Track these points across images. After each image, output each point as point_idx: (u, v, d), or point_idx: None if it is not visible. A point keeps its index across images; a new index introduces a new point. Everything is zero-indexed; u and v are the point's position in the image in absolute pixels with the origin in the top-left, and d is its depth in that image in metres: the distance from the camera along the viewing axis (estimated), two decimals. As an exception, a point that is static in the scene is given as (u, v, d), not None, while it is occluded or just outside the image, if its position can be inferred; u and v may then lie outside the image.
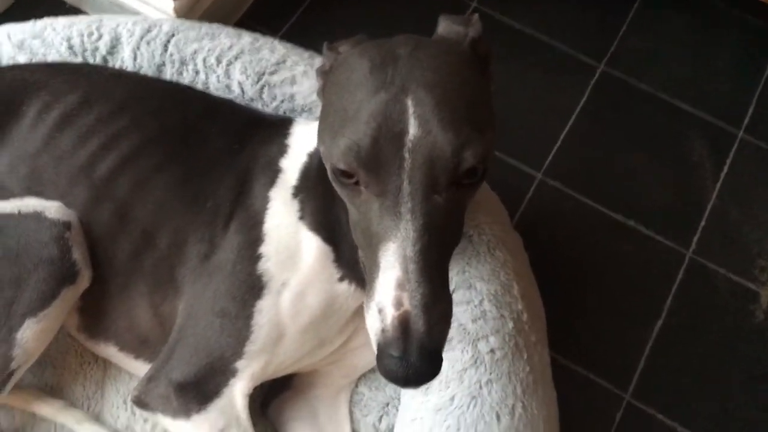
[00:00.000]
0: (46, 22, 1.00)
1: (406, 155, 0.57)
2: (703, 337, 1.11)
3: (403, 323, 0.56)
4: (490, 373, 0.75)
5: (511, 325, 0.79)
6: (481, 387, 0.75)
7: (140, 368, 0.84)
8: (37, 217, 0.78)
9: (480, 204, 0.92)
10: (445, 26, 0.68)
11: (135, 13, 1.17)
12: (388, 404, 0.86)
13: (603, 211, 1.19)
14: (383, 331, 0.57)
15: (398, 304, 0.56)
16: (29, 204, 0.79)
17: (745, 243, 1.19)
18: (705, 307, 1.13)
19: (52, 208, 0.79)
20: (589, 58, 1.33)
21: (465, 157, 0.58)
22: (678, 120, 1.29)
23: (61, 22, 1.01)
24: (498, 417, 0.73)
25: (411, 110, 0.58)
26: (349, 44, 0.68)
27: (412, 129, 0.57)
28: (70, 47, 0.98)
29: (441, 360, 0.58)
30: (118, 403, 0.86)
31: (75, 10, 1.24)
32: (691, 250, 1.17)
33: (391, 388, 0.87)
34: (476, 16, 0.68)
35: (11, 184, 0.83)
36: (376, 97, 0.59)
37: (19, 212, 0.78)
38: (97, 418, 0.85)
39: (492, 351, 0.76)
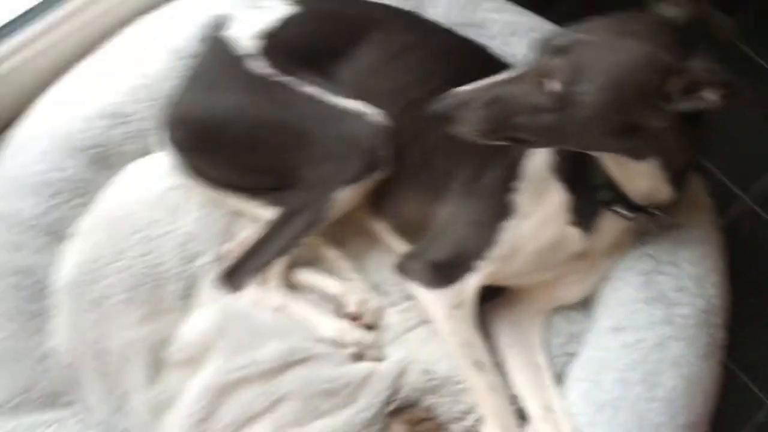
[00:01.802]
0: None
1: None
2: None
3: None
4: (678, 333, 0.93)
5: (703, 303, 0.96)
6: (665, 340, 0.93)
7: (399, 246, 1.11)
8: (365, 116, 1.05)
9: (695, 202, 1.08)
10: None
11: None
12: (574, 335, 1.07)
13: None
14: None
15: None
16: (362, 107, 1.07)
17: None
18: None
19: (377, 114, 1.06)
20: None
21: None
22: None
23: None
24: (671, 368, 0.92)
25: None
26: None
27: None
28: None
29: None
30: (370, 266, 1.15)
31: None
32: None
33: (580, 324, 1.07)
34: None
35: (346, 91, 1.11)
36: None
37: (356, 110, 1.06)
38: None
39: (684, 317, 0.94)
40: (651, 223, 1.00)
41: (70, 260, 1.09)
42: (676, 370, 0.92)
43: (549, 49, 0.83)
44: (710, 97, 0.78)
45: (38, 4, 1.23)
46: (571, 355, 1.05)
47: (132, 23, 1.27)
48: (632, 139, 0.84)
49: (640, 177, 0.91)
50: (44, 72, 1.23)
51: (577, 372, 1.01)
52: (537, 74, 0.83)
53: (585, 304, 1.09)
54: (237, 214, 1.16)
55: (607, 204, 0.96)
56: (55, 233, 1.12)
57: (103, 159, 1.18)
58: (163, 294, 1.09)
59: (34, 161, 1.13)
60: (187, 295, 1.10)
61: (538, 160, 1.01)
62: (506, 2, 1.28)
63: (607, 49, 0.80)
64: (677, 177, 0.92)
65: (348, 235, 1.16)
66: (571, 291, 1.07)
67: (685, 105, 0.80)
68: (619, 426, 0.92)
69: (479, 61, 1.14)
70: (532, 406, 1.02)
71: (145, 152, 1.20)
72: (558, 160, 1.00)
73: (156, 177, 1.16)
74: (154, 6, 1.29)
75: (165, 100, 1.14)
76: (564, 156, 0.99)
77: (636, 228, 1.01)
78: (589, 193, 0.97)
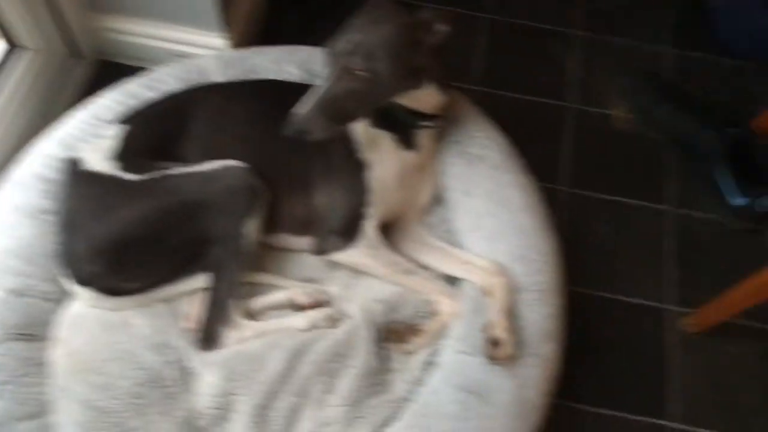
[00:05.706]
0: (161, 71, 1.56)
1: None
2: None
3: None
4: (497, 162, 1.42)
5: (503, 143, 1.46)
6: (498, 176, 1.41)
7: (305, 243, 1.41)
8: (228, 166, 1.33)
9: (456, 99, 1.57)
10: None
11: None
12: (443, 218, 1.49)
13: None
14: None
15: None
16: (217, 162, 1.34)
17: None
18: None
19: (231, 161, 1.34)
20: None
21: None
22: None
23: (166, 69, 1.56)
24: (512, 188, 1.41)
25: None
26: None
27: None
28: (181, 80, 1.54)
29: None
30: (295, 268, 1.43)
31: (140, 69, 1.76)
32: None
33: (441, 211, 1.50)
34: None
35: (193, 158, 1.36)
36: None
37: (219, 166, 1.32)
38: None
39: (492, 157, 1.43)
40: (443, 123, 1.46)
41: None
42: (518, 190, 1.43)
43: (339, 53, 1.20)
44: (441, 27, 1.25)
45: None
46: (450, 230, 1.47)
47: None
48: (416, 77, 1.28)
49: (425, 98, 1.35)
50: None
51: (461, 230, 1.45)
52: (346, 71, 1.19)
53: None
54: (171, 299, 1.35)
55: (415, 125, 1.38)
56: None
57: (31, 336, 1.27)
58: (165, 385, 1.24)
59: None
60: (185, 374, 1.26)
61: (359, 125, 1.39)
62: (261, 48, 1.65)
63: (376, 35, 1.20)
64: (443, 87, 1.38)
65: (264, 258, 1.42)
66: (426, 194, 1.49)
67: (431, 39, 1.25)
68: (505, 225, 1.40)
69: (278, 87, 1.50)
70: (455, 270, 1.40)
71: (54, 309, 1.32)
72: (371, 118, 1.39)
73: (87, 315, 1.29)
74: None
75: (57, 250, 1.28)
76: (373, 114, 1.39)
77: (438, 130, 1.46)
78: (401, 125, 1.38)
